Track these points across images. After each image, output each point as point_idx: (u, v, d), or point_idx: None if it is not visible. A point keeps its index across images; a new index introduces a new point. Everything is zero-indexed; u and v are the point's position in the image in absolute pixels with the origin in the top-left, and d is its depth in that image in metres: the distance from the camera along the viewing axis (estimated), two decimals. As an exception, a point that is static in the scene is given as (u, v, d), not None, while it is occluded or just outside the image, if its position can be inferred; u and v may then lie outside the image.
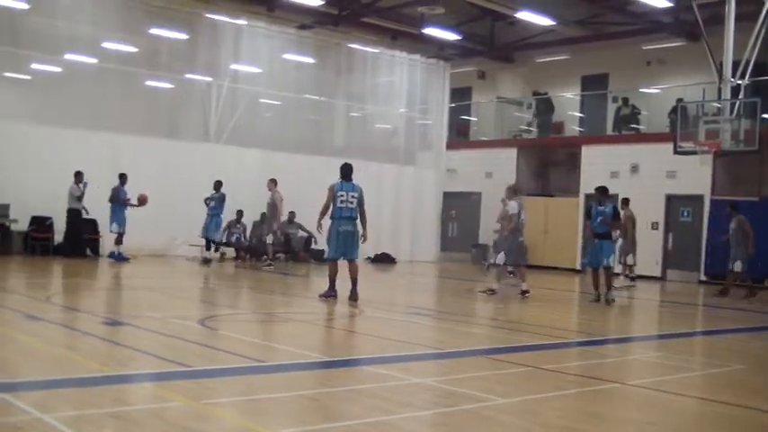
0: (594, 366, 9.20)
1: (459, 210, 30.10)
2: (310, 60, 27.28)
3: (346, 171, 14.18)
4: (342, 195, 13.81)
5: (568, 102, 30.69)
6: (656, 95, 27.76)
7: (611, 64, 29.31)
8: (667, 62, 27.93)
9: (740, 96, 20.45)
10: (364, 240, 14.04)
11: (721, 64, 20.84)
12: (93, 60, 22.69)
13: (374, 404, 6.69)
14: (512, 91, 32.18)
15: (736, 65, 20.40)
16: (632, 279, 20.38)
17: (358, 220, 13.92)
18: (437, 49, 30.62)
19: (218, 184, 21.77)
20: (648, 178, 25.19)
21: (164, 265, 21.15)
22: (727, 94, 20.54)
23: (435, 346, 10.45)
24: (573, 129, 30.44)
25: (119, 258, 20.47)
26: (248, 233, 23.58)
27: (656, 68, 28.31)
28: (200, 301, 14.81)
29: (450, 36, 28.63)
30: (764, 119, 22.34)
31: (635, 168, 25.80)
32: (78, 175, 20.16)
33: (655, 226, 24.90)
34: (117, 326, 10.30)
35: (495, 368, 8.72)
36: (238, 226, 23.31)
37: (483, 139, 31.58)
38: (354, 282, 13.92)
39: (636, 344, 11.72)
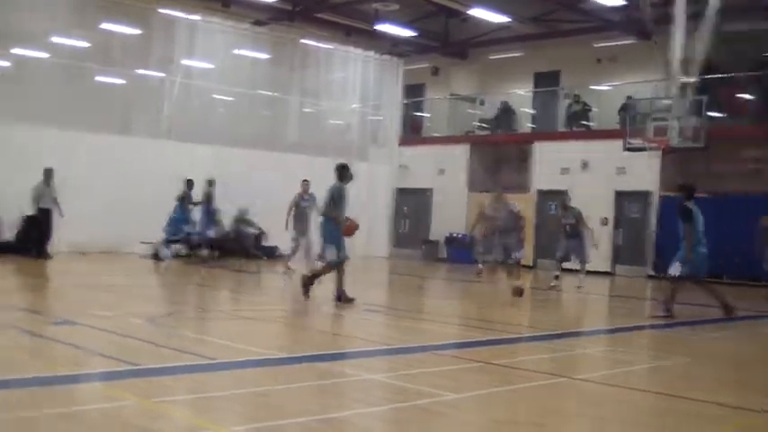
0: (545, 361, 9.32)
1: (410, 206, 30.25)
2: (264, 56, 27.22)
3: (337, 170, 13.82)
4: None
5: (521, 98, 30.91)
6: (607, 92, 28.07)
7: (564, 61, 29.60)
8: (618, 60, 28.27)
9: (688, 94, 20.75)
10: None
11: (670, 62, 21.12)
12: (44, 55, 22.43)
13: (326, 400, 6.75)
14: (465, 87, 32.35)
15: (684, 63, 20.69)
16: (556, 277, 20.37)
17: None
18: (391, 46, 30.69)
19: (190, 184, 21.75)
20: (598, 174, 25.49)
21: (115, 262, 20.98)
22: (675, 91, 20.83)
23: (387, 343, 10.51)
24: (525, 125, 30.66)
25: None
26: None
27: (607, 66, 28.66)
28: (152, 298, 14.73)
29: (404, 32, 28.73)
30: (711, 116, 22.72)
31: (585, 165, 26.08)
32: (48, 173, 19.95)
33: (604, 222, 25.22)
34: (67, 325, 10.21)
35: (446, 364, 8.80)
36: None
37: (435, 135, 31.71)
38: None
39: (586, 338, 11.86)
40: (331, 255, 13.43)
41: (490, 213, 16.89)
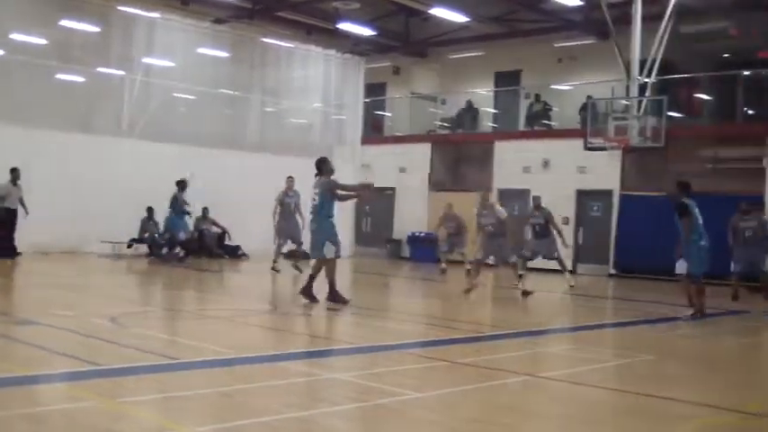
0: (509, 359, 9.34)
1: (373, 205, 30.23)
2: (225, 55, 27.05)
3: (317, 165, 13.62)
4: (313, 191, 13.50)
5: (482, 98, 31.03)
6: (568, 92, 28.26)
7: (524, 61, 29.74)
8: (578, 60, 28.46)
9: (647, 94, 20.98)
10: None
11: (629, 62, 21.34)
12: (1, 52, 22.14)
13: (290, 400, 6.72)
14: (426, 86, 32.43)
15: (643, 63, 20.92)
16: (520, 276, 20.36)
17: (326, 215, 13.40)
18: (352, 45, 30.66)
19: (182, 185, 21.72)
20: (560, 173, 25.65)
21: (77, 262, 20.78)
22: (634, 91, 21.07)
23: (352, 342, 10.50)
24: (486, 124, 30.79)
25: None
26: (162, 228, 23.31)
27: (568, 65, 28.84)
28: (113, 298, 14.56)
29: (365, 31, 28.73)
30: (670, 116, 22.96)
31: (546, 164, 26.24)
32: (15, 172, 19.73)
33: (566, 221, 25.37)
34: (30, 325, 10.10)
35: (410, 363, 8.82)
36: (150, 223, 23.04)
37: (397, 134, 31.73)
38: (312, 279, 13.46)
39: (549, 337, 11.93)
40: (329, 251, 13.21)
41: (481, 220, 16.91)
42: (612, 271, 24.39)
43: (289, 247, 20.10)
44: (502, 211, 16.54)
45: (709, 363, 10.20)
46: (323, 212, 13.27)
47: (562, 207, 24.94)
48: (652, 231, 21.48)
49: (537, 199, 19.06)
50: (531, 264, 18.58)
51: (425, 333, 11.62)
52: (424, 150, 29.32)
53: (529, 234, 18.87)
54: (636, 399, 7.45)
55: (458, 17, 26.61)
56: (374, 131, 32.21)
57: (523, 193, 26.54)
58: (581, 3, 24.09)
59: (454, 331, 11.70)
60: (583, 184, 25.32)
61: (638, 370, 9.14)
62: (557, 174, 25.73)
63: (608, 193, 24.88)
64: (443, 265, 21.76)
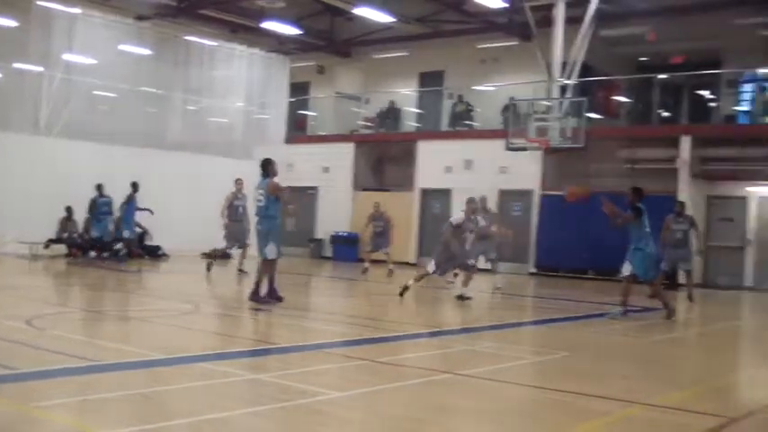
0: (431, 358, 9.43)
1: (295, 205, 30.07)
2: (147, 52, 26.68)
3: (261, 166, 13.78)
4: (258, 192, 13.59)
5: (405, 98, 31.17)
6: (490, 93, 28.52)
7: (448, 61, 29.97)
8: (501, 61, 28.77)
9: (568, 95, 21.31)
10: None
11: (551, 64, 21.65)
12: None
13: (209, 401, 6.69)
14: (350, 86, 32.45)
15: (564, 66, 21.25)
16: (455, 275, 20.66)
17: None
18: (276, 44, 30.55)
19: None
20: (482, 173, 25.90)
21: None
22: (555, 93, 21.38)
23: (274, 342, 10.48)
24: (409, 125, 30.93)
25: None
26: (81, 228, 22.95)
27: (491, 67, 29.14)
28: (29, 300, 14.28)
29: (290, 30, 28.63)
30: (590, 117, 23.38)
31: (469, 164, 26.48)
32: None
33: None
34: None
35: (332, 362, 8.83)
36: (70, 223, 22.66)
37: (321, 134, 31.68)
38: (264, 280, 13.57)
39: (471, 335, 12.04)
40: (272, 252, 13.37)
41: (470, 224, 17.12)
42: (533, 270, 24.71)
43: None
44: (480, 220, 16.97)
45: (621, 358, 10.43)
46: (268, 213, 13.43)
47: (484, 207, 25.18)
48: (571, 231, 21.87)
49: (483, 199, 19.30)
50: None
51: (348, 333, 11.63)
52: (347, 150, 29.34)
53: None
54: (554, 394, 7.61)
55: (382, 17, 26.69)
56: (298, 131, 32.11)
57: (446, 193, 26.80)
58: (504, 5, 24.36)
59: (377, 331, 11.75)
60: (504, 183, 25.58)
61: (555, 366, 9.30)
62: (479, 174, 25.98)
63: (529, 193, 25.21)
64: (366, 264, 21.81)
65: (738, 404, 7.95)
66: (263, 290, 13.52)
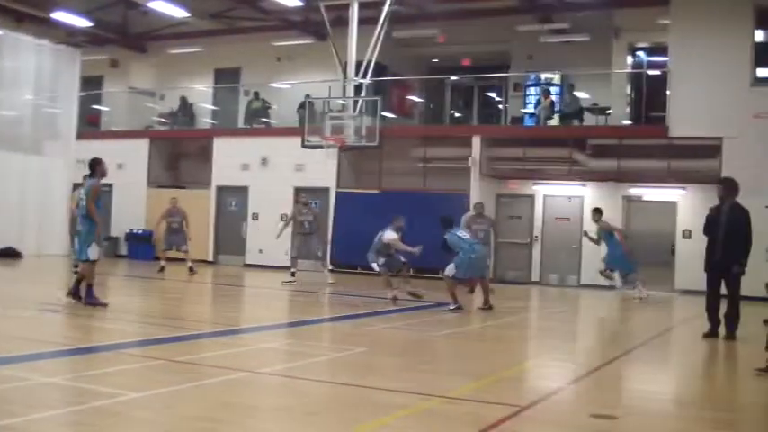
0: (227, 356, 9.42)
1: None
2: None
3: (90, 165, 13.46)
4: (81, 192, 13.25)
5: (201, 94, 30.82)
6: (286, 90, 28.64)
7: (244, 58, 29.84)
8: (296, 59, 28.94)
9: (362, 95, 21.65)
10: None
11: (346, 63, 21.94)
12: None
13: (0, 407, 6.46)
14: (144, 81, 31.74)
15: (359, 65, 21.58)
16: (293, 274, 21.01)
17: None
18: (66, 35, 29.46)
19: None
20: (278, 171, 26.02)
21: None
22: (350, 92, 21.65)
23: (65, 343, 10.19)
24: (205, 121, 30.62)
25: None
26: None
27: (286, 64, 29.27)
28: None
29: (81, 22, 27.68)
30: (385, 116, 23.90)
31: (265, 161, 26.52)
32: None
33: (284, 218, 25.77)
34: None
35: (127, 363, 8.70)
36: None
37: (115, 129, 30.82)
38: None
39: (267, 333, 12.11)
40: (93, 253, 13.03)
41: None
42: (330, 267, 24.98)
43: None
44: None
45: (417, 353, 10.79)
46: (90, 214, 13.09)
47: (281, 204, 25.35)
48: (367, 228, 22.27)
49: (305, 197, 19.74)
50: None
51: (142, 332, 11.44)
52: (142, 146, 28.73)
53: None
54: (352, 390, 7.80)
55: (177, 11, 26.25)
56: (90, 126, 31.10)
57: (243, 190, 26.74)
58: (300, 4, 24.52)
59: (173, 329, 11.64)
60: (301, 181, 25.78)
61: (350, 362, 9.51)
62: (275, 171, 26.10)
63: (325, 191, 25.51)
64: (162, 262, 21.48)
65: (526, 393, 8.40)
66: (82, 290, 13.17)
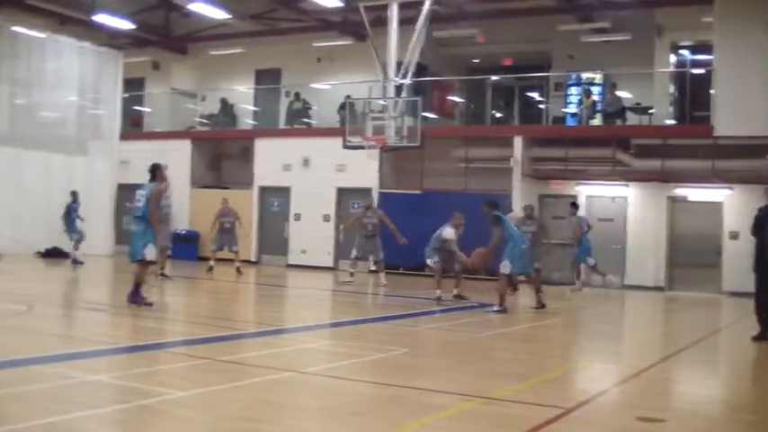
0: (271, 356, 9.41)
1: (133, 202, 29.37)
2: (-29, 43, 25.47)
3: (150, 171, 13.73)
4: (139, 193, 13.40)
5: (242, 95, 30.94)
6: (327, 91, 28.64)
7: (284, 59, 29.90)
8: (336, 60, 28.94)
9: (403, 95, 21.61)
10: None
11: (386, 64, 21.91)
12: None
13: (44, 405, 6.49)
14: (185, 83, 31.92)
15: (399, 65, 21.54)
16: (351, 275, 21.05)
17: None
18: (108, 38, 29.72)
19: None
20: (320, 171, 26.03)
21: None
22: (391, 92, 21.61)
23: (112, 342, 10.24)
24: (246, 122, 30.73)
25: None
26: None
27: (327, 65, 29.27)
28: None
29: (124, 24, 27.89)
30: (425, 117, 23.82)
31: (306, 161, 26.56)
32: None
33: (326, 218, 25.83)
34: None
35: (173, 362, 8.73)
36: None
37: (157, 130, 31.03)
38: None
39: (310, 333, 12.09)
40: (151, 254, 13.24)
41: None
42: (374, 267, 24.91)
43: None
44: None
45: (460, 354, 10.70)
46: (145, 215, 13.25)
47: (323, 205, 25.39)
48: (409, 228, 22.22)
49: (369, 199, 19.89)
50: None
51: (187, 331, 11.50)
52: (184, 147, 28.88)
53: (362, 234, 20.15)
54: (394, 390, 7.74)
55: (218, 13, 26.35)
56: (133, 127, 31.37)
57: (285, 191, 26.80)
58: (340, 4, 24.50)
59: (218, 329, 11.65)
60: (343, 182, 25.79)
61: (393, 363, 9.46)
62: (317, 171, 26.11)
63: (367, 191, 25.45)
64: (212, 262, 21.55)
65: (571, 395, 8.29)
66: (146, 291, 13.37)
